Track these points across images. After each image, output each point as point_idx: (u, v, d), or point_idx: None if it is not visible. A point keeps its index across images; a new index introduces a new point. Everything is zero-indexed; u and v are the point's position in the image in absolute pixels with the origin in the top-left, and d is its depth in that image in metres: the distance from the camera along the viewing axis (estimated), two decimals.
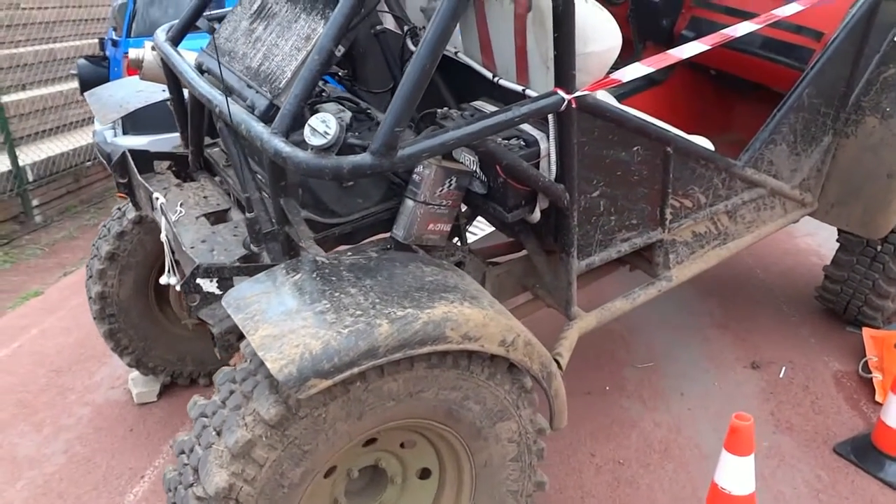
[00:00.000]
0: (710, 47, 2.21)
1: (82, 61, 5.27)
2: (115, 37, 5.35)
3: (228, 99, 2.06)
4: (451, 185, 2.08)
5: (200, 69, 2.35)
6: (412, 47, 2.52)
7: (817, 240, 4.40)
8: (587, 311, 2.42)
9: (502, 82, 2.24)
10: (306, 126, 1.72)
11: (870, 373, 3.07)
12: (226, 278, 1.97)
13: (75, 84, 5.46)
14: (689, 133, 2.65)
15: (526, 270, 2.56)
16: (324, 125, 1.70)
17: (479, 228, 3.91)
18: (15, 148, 5.45)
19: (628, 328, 3.58)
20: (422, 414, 1.78)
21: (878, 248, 3.10)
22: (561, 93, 1.94)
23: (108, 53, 5.29)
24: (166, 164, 2.70)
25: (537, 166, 2.11)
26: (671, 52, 2.15)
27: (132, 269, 2.94)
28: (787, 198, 2.88)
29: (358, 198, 2.19)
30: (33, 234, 5.49)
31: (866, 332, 3.27)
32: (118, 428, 3.05)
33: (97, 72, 5.12)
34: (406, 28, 2.54)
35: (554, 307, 2.48)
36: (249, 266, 2.00)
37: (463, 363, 1.78)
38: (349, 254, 1.89)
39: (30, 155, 5.71)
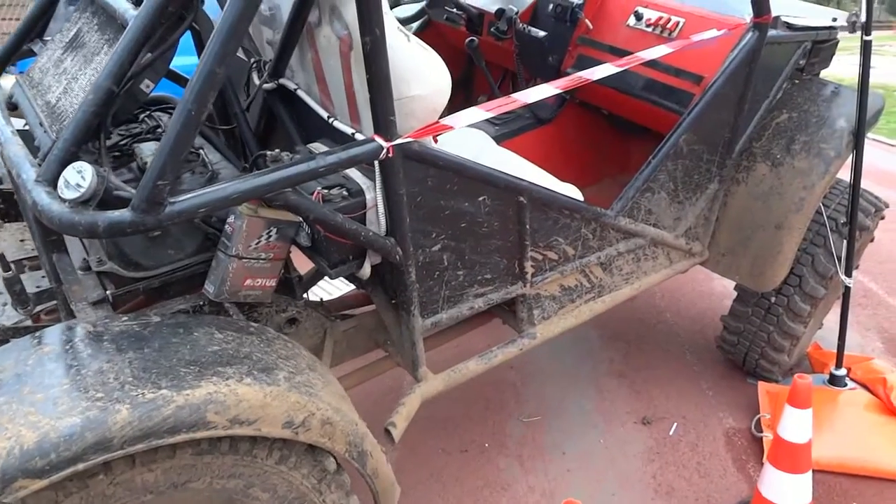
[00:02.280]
0: (559, 90, 2.04)
1: None
2: None
3: (14, 137, 1.85)
4: (270, 236, 1.88)
5: (10, 101, 2.14)
6: (256, 80, 2.33)
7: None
8: None
9: (336, 123, 2.05)
10: (61, 177, 1.51)
11: (762, 431, 2.90)
12: None
13: None
14: (581, 175, 2.51)
15: (378, 325, 2.36)
16: (78, 176, 1.49)
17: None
18: None
19: (523, 377, 3.39)
20: None
21: (772, 299, 2.96)
22: (378, 140, 1.75)
23: None
24: None
25: (364, 217, 1.92)
26: (515, 95, 1.97)
27: None
28: (671, 247, 2.72)
29: (169, 249, 1.97)
30: None
31: (762, 386, 3.12)
32: None
33: None
34: (252, 60, 2.36)
35: (404, 367, 2.28)
36: (29, 328, 1.78)
37: (243, 447, 1.56)
38: (125, 319, 1.67)
39: None
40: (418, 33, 3.48)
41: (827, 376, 3.05)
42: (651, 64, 2.60)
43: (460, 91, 3.62)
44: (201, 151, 2.16)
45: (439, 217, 1.99)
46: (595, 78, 2.10)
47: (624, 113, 2.91)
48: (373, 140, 1.75)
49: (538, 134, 3.03)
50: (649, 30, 2.66)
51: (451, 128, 1.85)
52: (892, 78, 10.73)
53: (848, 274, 2.85)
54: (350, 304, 2.60)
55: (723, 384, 3.31)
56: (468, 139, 2.63)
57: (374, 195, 1.89)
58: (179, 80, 2.53)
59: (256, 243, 1.86)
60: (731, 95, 2.49)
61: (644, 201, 2.50)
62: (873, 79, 2.72)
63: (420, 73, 1.78)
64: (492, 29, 3.02)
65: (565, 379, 3.38)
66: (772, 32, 2.49)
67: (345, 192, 1.89)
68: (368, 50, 1.63)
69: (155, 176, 1.46)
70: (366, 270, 1.99)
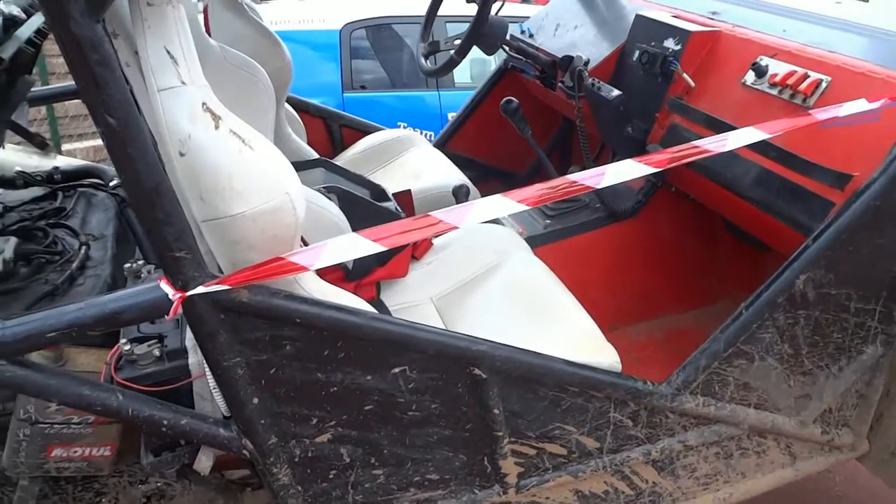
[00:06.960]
0: (538, 193, 1.19)
1: None
2: None
3: None
4: None
5: None
6: None
7: None
8: None
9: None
10: None
11: None
12: None
13: None
14: (686, 295, 1.62)
15: None
16: None
17: None
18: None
19: None
20: None
21: None
22: (164, 286, 1.06)
23: None
24: None
25: (191, 389, 1.24)
26: (439, 213, 1.17)
27: None
28: (792, 438, 1.70)
29: None
30: None
31: None
32: None
33: None
34: None
35: None
36: None
37: None
38: None
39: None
40: (494, 84, 2.70)
41: None
42: (767, 150, 1.63)
43: (555, 157, 2.80)
44: (83, 249, 1.62)
45: (319, 396, 1.24)
46: (599, 184, 1.22)
47: (737, 219, 1.91)
48: (156, 286, 1.07)
49: (612, 233, 2.09)
50: (774, 91, 1.67)
51: (308, 268, 1.10)
52: None
53: None
54: None
55: None
56: (487, 240, 1.84)
57: (199, 358, 1.21)
58: None
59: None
60: None
61: (733, 372, 1.53)
62: None
63: (243, 179, 1.06)
64: (560, 83, 2.19)
65: None
66: None
67: (156, 352, 1.22)
68: (108, 144, 0.95)
69: None
70: (203, 465, 1.31)
